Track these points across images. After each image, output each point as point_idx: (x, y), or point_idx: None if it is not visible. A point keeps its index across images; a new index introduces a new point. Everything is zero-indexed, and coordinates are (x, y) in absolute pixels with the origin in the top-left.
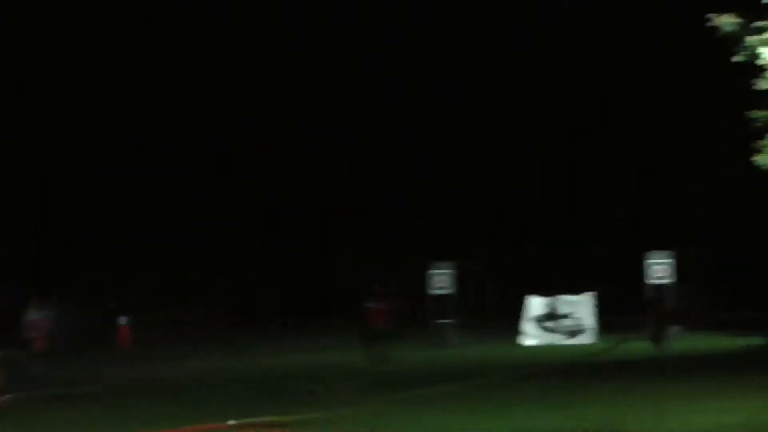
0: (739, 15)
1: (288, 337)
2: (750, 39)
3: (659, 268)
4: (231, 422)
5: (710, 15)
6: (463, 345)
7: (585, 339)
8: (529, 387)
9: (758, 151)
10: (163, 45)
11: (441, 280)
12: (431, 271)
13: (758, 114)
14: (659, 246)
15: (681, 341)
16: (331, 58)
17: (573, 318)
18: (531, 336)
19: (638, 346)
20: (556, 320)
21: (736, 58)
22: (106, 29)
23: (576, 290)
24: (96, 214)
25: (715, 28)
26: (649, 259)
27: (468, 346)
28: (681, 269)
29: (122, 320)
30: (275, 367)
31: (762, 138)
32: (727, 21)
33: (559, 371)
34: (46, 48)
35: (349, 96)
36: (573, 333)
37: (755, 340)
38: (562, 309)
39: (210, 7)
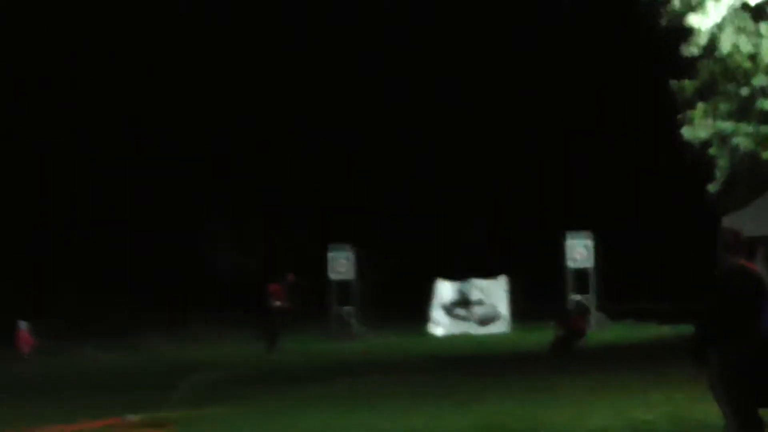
0: None
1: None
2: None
3: (579, 251)
4: (130, 417)
5: None
6: (366, 335)
7: (498, 327)
8: (436, 382)
9: (686, 124)
10: (163, 45)
11: (341, 264)
12: (331, 254)
13: (687, 84)
14: (579, 227)
15: (605, 332)
16: (331, 58)
17: (485, 305)
18: (440, 324)
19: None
20: (467, 307)
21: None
22: (106, 29)
23: (488, 274)
24: None
25: None
26: (569, 240)
27: (372, 336)
28: (602, 253)
29: (21, 325)
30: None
31: (691, 108)
32: None
33: (470, 363)
34: (45, 48)
35: (349, 96)
36: (485, 321)
37: (682, 329)
38: (474, 295)
39: (210, 7)
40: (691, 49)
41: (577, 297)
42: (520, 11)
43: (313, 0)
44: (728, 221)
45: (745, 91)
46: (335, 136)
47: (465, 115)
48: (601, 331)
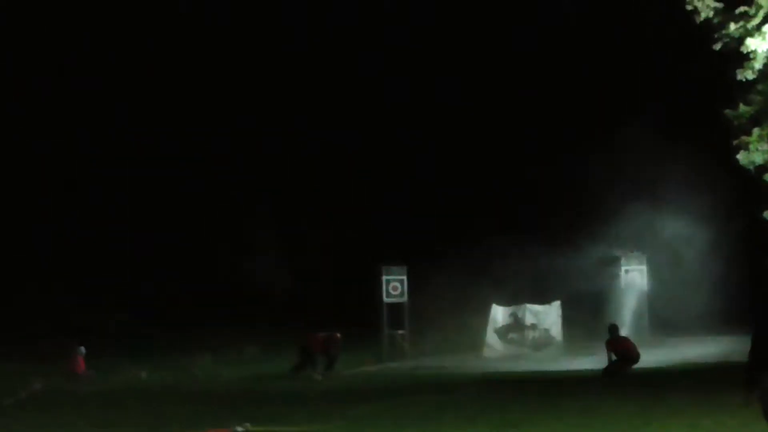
0: None
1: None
2: (731, 26)
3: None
4: (239, 429)
5: None
6: (419, 357)
7: (551, 352)
8: (488, 403)
9: (741, 149)
10: (163, 45)
11: (395, 287)
12: (385, 277)
13: (742, 109)
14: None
15: (657, 355)
16: (331, 58)
17: (539, 329)
18: (494, 348)
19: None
20: (521, 332)
21: (715, 47)
22: (106, 29)
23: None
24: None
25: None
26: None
27: (424, 359)
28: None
29: (81, 351)
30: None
31: (747, 134)
32: (706, 4)
33: (522, 386)
34: (45, 48)
35: (349, 96)
36: (539, 345)
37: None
38: (528, 319)
39: (210, 7)
40: (746, 74)
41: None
42: (520, 11)
43: (313, 0)
44: None
45: None
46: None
47: (465, 115)
48: (652, 354)
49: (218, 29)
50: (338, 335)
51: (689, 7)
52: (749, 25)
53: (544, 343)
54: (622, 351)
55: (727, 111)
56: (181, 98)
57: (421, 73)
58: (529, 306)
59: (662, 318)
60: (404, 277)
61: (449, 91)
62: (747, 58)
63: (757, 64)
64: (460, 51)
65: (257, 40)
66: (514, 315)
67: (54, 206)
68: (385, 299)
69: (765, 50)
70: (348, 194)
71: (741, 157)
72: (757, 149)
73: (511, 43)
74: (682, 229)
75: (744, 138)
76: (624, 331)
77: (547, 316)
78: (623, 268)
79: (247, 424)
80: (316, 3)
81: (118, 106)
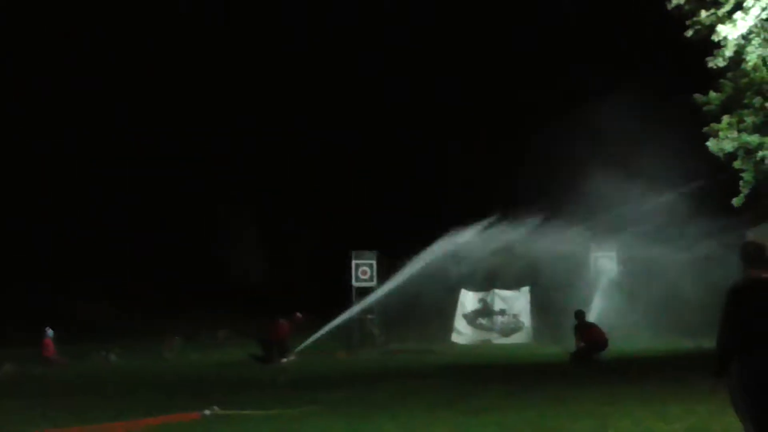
0: None
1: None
2: (702, 13)
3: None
4: (207, 412)
5: None
6: (388, 343)
7: (520, 338)
8: (456, 390)
9: (711, 136)
10: (163, 45)
11: (364, 271)
12: (355, 261)
13: (712, 96)
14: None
15: (626, 343)
16: (331, 58)
17: (508, 315)
18: (462, 334)
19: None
20: (490, 317)
21: (687, 34)
22: (107, 28)
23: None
24: None
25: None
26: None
27: (393, 344)
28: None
29: (48, 333)
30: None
31: (717, 121)
32: None
33: (491, 372)
34: (45, 48)
35: (349, 96)
36: (507, 331)
37: (704, 342)
38: (497, 305)
39: (210, 8)
40: (717, 61)
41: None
42: (519, 11)
43: (313, 0)
44: (752, 234)
45: None
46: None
47: (465, 115)
48: (623, 342)
49: (218, 29)
50: (299, 315)
51: None
52: (720, 13)
53: (512, 328)
54: (590, 338)
55: (696, 96)
56: (180, 97)
57: (421, 73)
58: (498, 291)
59: (632, 305)
60: (373, 262)
61: (449, 91)
62: (718, 46)
63: (728, 52)
64: (460, 51)
65: (256, 40)
66: (483, 300)
67: (78, 213)
68: (355, 283)
69: (735, 38)
70: (343, 191)
71: (711, 144)
72: (726, 137)
73: (511, 42)
74: (653, 218)
75: (714, 125)
76: (592, 318)
77: (516, 302)
78: (593, 254)
79: (216, 408)
80: (316, 3)
81: (118, 105)
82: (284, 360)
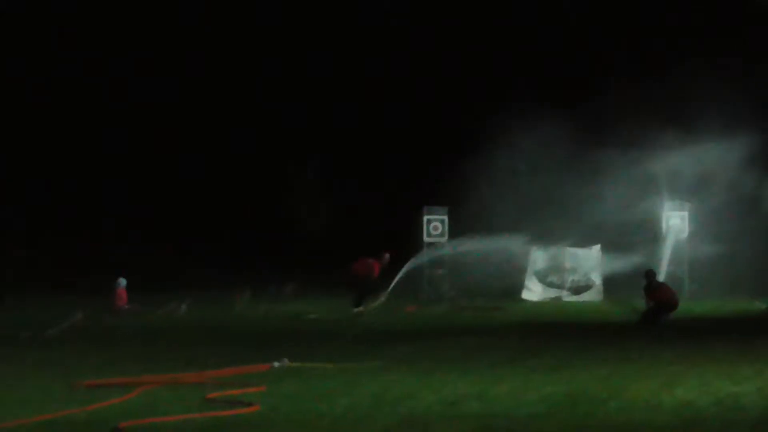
0: None
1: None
2: None
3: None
4: (276, 364)
5: None
6: (458, 299)
7: (591, 296)
8: (526, 347)
9: None
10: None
11: (436, 227)
12: (426, 217)
13: None
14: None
15: (697, 304)
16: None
17: (578, 273)
18: (533, 291)
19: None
20: (561, 275)
21: None
22: (107, 29)
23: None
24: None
25: None
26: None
27: (463, 301)
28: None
29: (121, 282)
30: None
31: None
32: None
33: (561, 330)
34: (44, 48)
35: (424, 48)
36: (578, 289)
37: None
38: (568, 263)
39: (210, 12)
40: None
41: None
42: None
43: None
44: None
45: None
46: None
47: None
48: (693, 303)
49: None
50: (387, 255)
51: None
52: None
53: (583, 287)
54: (660, 298)
55: None
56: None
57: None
58: (569, 249)
59: (702, 266)
60: (445, 218)
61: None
62: None
63: None
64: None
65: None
66: (554, 258)
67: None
68: (426, 239)
69: None
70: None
71: None
72: None
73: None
74: (727, 173)
75: None
76: (662, 278)
77: (587, 260)
78: (665, 213)
79: (285, 360)
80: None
81: (189, 56)
82: (360, 308)
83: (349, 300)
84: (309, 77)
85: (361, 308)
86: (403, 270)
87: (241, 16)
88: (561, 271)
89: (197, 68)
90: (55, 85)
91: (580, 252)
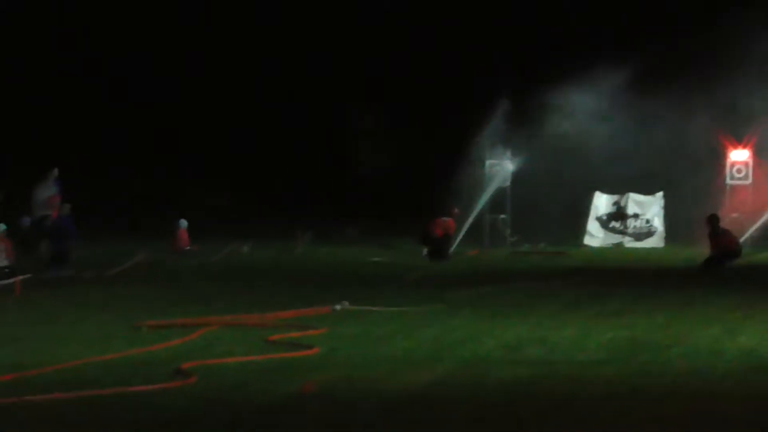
0: None
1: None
2: None
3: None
4: (337, 307)
5: None
6: (520, 243)
7: (653, 242)
8: (588, 292)
9: None
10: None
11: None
12: (489, 161)
13: None
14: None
15: (760, 252)
16: None
17: (641, 219)
18: (595, 236)
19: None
20: (623, 221)
21: None
22: (107, 29)
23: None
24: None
25: None
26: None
27: (525, 245)
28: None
29: (182, 224)
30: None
31: None
32: None
33: (624, 276)
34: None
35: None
36: (640, 235)
37: None
38: (630, 209)
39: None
40: None
41: (735, 215)
42: None
43: None
44: None
45: None
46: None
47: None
48: (755, 250)
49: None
50: (456, 210)
51: None
52: None
53: (646, 233)
54: (723, 244)
55: None
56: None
57: None
58: (632, 195)
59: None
60: (508, 161)
61: None
62: None
63: None
64: None
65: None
66: (617, 204)
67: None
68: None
69: None
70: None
71: None
72: None
73: None
74: None
75: None
76: (725, 224)
77: (651, 207)
78: (728, 160)
79: (346, 302)
80: None
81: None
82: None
83: (417, 247)
84: (309, 77)
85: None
86: (470, 219)
87: (241, 16)
88: (624, 216)
89: (197, 68)
90: (55, 85)
91: (644, 198)
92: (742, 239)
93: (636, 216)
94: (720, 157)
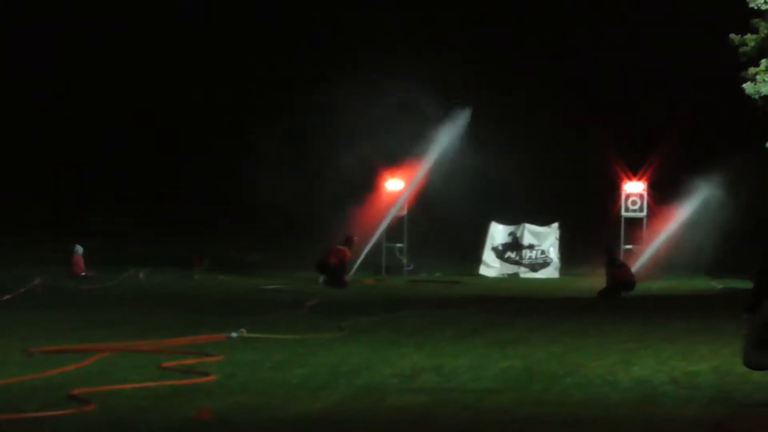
0: None
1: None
2: None
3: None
4: (233, 334)
5: None
6: (416, 272)
7: (548, 273)
8: (483, 322)
9: (747, 80)
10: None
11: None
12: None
13: (748, 37)
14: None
15: (655, 282)
16: None
17: (537, 250)
18: (491, 266)
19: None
20: (519, 251)
21: None
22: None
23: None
24: None
25: None
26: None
27: (421, 274)
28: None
29: (78, 250)
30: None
31: (755, 65)
32: None
33: (518, 306)
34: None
35: None
36: (536, 266)
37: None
38: (526, 239)
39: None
40: (759, 2)
41: (629, 246)
42: None
43: None
44: None
45: None
46: None
47: None
48: (651, 281)
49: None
50: (355, 238)
51: None
52: None
53: (541, 264)
54: (619, 276)
55: (732, 36)
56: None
57: None
58: (528, 226)
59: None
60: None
61: None
62: None
63: None
64: None
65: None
66: (513, 234)
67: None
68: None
69: None
70: None
71: (747, 87)
72: (764, 80)
73: None
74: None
75: (752, 69)
76: (621, 256)
77: (546, 238)
78: (623, 192)
79: (243, 330)
80: None
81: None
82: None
83: (312, 274)
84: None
85: (348, 277)
86: (366, 248)
87: (241, 16)
88: (519, 247)
89: (197, 68)
90: (55, 85)
91: (540, 229)
92: (634, 269)
93: (531, 247)
94: (616, 188)
